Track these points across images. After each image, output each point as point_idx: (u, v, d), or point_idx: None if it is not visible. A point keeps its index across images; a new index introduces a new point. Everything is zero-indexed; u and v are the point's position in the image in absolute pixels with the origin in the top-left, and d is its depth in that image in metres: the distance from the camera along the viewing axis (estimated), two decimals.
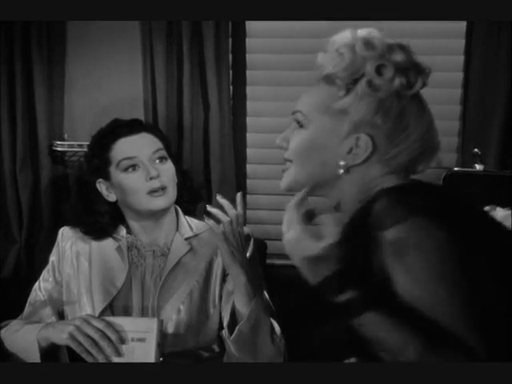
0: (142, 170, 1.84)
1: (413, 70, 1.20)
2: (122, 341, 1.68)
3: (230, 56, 2.57)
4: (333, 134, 1.21)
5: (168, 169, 1.87)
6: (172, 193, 1.87)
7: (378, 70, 1.18)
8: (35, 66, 2.52)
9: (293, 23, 2.56)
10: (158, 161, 1.86)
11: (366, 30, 1.23)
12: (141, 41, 2.54)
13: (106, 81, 2.60)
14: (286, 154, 1.29)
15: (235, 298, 1.77)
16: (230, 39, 2.57)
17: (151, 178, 1.82)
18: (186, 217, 1.97)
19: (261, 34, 2.61)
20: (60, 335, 1.71)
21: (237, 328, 1.74)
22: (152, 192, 1.83)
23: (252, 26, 2.59)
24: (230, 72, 2.57)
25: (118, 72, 2.59)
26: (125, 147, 1.86)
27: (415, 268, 1.06)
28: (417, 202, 1.08)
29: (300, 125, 1.27)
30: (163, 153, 1.89)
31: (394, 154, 1.20)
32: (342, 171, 1.21)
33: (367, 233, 1.10)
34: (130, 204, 1.87)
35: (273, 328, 1.78)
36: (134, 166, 1.85)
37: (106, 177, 1.88)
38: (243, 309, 1.74)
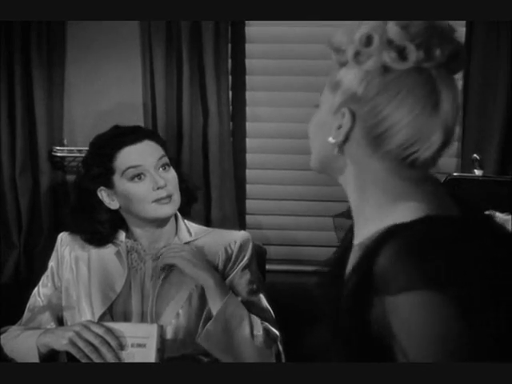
0: (149, 179, 1.84)
1: (396, 45, 1.07)
2: (122, 347, 1.68)
3: (230, 61, 2.57)
4: (331, 110, 1.13)
5: (173, 177, 1.88)
6: (177, 200, 1.88)
7: (364, 40, 1.09)
8: (35, 70, 2.52)
9: (292, 29, 2.57)
10: (161, 169, 1.86)
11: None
12: (140, 46, 2.54)
13: (105, 86, 2.60)
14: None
15: (209, 302, 1.80)
16: (230, 44, 2.57)
17: (158, 188, 1.83)
18: (185, 221, 1.98)
19: (260, 40, 2.61)
20: (60, 341, 1.71)
21: (205, 328, 1.76)
22: (158, 200, 1.83)
23: (251, 31, 2.60)
24: (230, 77, 2.58)
25: (117, 77, 2.59)
26: (130, 156, 1.85)
27: (416, 336, 1.00)
28: (426, 269, 0.98)
29: (317, 106, 1.19)
30: (166, 159, 1.89)
31: (377, 133, 1.08)
32: (336, 150, 1.12)
33: (370, 286, 1.03)
34: (135, 212, 1.87)
35: (252, 326, 1.78)
36: (139, 175, 1.84)
37: (109, 185, 1.87)
38: (215, 311, 1.77)
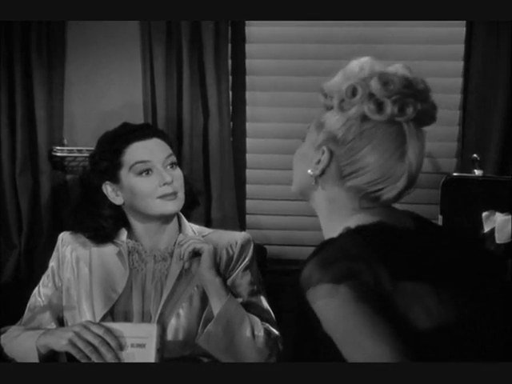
0: (156, 175, 1.84)
1: (387, 100, 1.22)
2: (122, 347, 1.68)
3: (230, 61, 2.57)
4: (313, 145, 1.31)
5: (179, 175, 1.89)
6: (182, 198, 1.88)
7: (349, 92, 1.24)
8: (35, 70, 2.52)
9: (292, 29, 2.57)
10: (169, 166, 1.87)
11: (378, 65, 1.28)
12: (140, 46, 2.54)
13: (105, 86, 2.60)
14: None
15: (210, 302, 1.80)
16: (230, 45, 2.57)
17: (165, 184, 1.83)
18: (190, 223, 1.98)
19: (260, 40, 2.61)
20: (59, 342, 1.71)
21: (205, 330, 1.75)
22: (164, 196, 1.84)
23: (251, 31, 2.60)
24: (230, 77, 2.58)
25: (117, 77, 2.59)
26: (138, 151, 1.86)
27: (327, 324, 1.16)
28: (331, 266, 1.15)
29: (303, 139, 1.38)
30: (174, 158, 1.90)
31: (349, 171, 1.26)
32: (313, 181, 1.30)
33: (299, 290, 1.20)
34: (139, 207, 1.87)
35: (252, 327, 1.78)
36: (147, 171, 1.85)
37: (115, 179, 1.88)
38: (216, 311, 1.77)
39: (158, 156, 1.86)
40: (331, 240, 1.22)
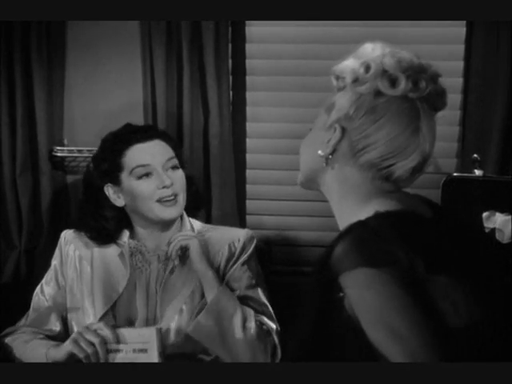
0: (155, 178, 1.85)
1: (387, 77, 1.23)
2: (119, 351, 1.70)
3: (230, 61, 2.57)
4: (323, 127, 1.29)
5: (180, 177, 1.89)
6: (182, 201, 1.88)
7: (364, 67, 1.24)
8: (35, 70, 2.52)
9: (292, 29, 2.57)
10: (170, 169, 1.87)
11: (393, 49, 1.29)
12: (141, 46, 2.54)
13: (105, 86, 2.60)
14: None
15: (205, 293, 1.82)
16: (230, 45, 2.57)
17: (164, 187, 1.83)
18: (190, 219, 1.99)
19: (261, 40, 2.61)
20: (60, 355, 1.75)
21: (195, 320, 1.76)
22: (162, 199, 1.84)
23: (252, 31, 2.60)
24: (230, 77, 2.57)
25: (117, 77, 2.59)
26: (139, 154, 1.86)
27: (364, 310, 1.12)
28: (367, 250, 1.13)
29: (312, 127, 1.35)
30: (175, 161, 1.90)
31: (362, 146, 1.24)
32: (324, 162, 1.27)
33: (328, 273, 1.16)
34: (139, 210, 1.87)
35: (244, 318, 1.79)
36: (147, 174, 1.85)
37: (116, 182, 1.88)
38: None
39: (158, 159, 1.86)
40: (362, 222, 1.18)
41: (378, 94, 1.23)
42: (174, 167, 1.89)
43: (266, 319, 1.85)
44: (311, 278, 1.23)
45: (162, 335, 1.73)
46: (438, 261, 1.14)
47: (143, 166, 1.85)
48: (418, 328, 1.06)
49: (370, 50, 1.28)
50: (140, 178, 1.85)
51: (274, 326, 1.85)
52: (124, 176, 1.87)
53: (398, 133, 1.23)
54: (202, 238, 1.89)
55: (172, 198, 1.85)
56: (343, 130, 1.25)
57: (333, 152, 1.26)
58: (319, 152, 1.27)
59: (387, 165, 1.24)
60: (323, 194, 1.33)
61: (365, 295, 1.10)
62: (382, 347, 1.08)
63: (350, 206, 1.27)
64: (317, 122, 1.32)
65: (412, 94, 1.23)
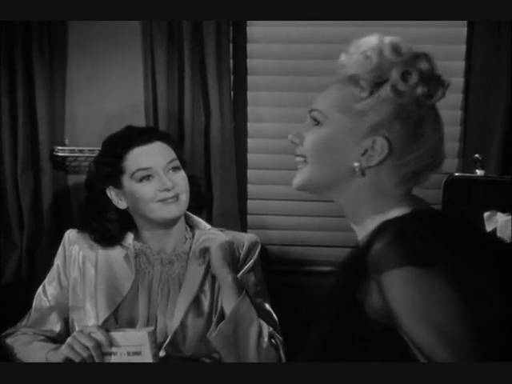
0: (157, 181, 1.84)
1: (434, 81, 1.22)
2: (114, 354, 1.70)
3: (231, 61, 2.57)
4: (350, 134, 1.22)
5: (181, 178, 1.88)
6: (185, 201, 1.88)
7: (403, 76, 1.20)
8: (36, 70, 2.52)
9: (294, 29, 2.57)
10: (171, 171, 1.87)
11: (392, 37, 1.26)
12: (142, 46, 2.54)
13: (107, 86, 2.60)
14: (299, 150, 1.29)
15: (222, 299, 1.80)
16: (231, 44, 2.57)
17: (165, 190, 1.83)
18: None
19: (262, 40, 2.61)
20: (59, 359, 1.75)
21: (218, 327, 1.76)
22: (164, 200, 1.84)
23: (253, 31, 2.59)
24: (231, 77, 2.57)
25: (119, 77, 2.59)
26: (139, 157, 1.86)
27: (409, 310, 1.08)
28: (412, 247, 1.09)
29: (317, 123, 1.27)
30: (177, 163, 1.90)
31: (407, 160, 1.21)
32: (357, 173, 1.21)
33: (365, 270, 1.12)
34: (142, 212, 1.87)
35: (260, 330, 1.78)
36: (148, 177, 1.85)
37: (118, 185, 1.88)
38: (228, 310, 1.77)
39: (158, 161, 1.86)
40: (397, 220, 1.15)
41: (418, 103, 1.21)
42: (176, 168, 1.89)
43: (275, 333, 1.84)
44: (336, 278, 1.19)
45: (156, 337, 1.73)
46: (475, 259, 1.12)
47: (144, 169, 1.85)
48: (466, 328, 1.04)
49: (375, 40, 1.24)
50: (141, 180, 1.85)
51: (281, 338, 1.85)
52: (125, 179, 1.87)
53: (434, 142, 1.22)
54: (228, 238, 1.87)
55: (173, 198, 1.85)
56: (389, 142, 1.20)
57: (376, 165, 1.21)
58: (355, 164, 1.21)
59: (424, 174, 1.24)
60: (339, 203, 1.27)
61: (411, 294, 1.07)
62: (428, 347, 1.04)
63: (378, 209, 1.22)
64: (329, 120, 1.24)
65: (430, 101, 1.22)
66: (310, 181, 1.28)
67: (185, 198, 1.88)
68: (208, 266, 1.85)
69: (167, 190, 1.83)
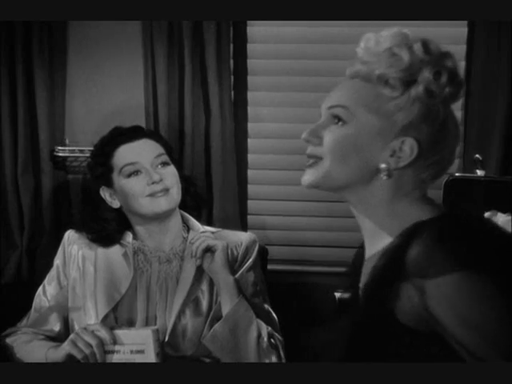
0: (145, 175, 1.86)
1: (458, 81, 1.20)
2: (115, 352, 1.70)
3: (232, 61, 2.57)
4: (379, 135, 1.17)
5: (171, 172, 1.89)
6: (176, 195, 1.88)
7: (436, 76, 1.17)
8: (36, 70, 2.52)
9: (294, 29, 2.57)
10: (160, 166, 1.88)
11: (406, 31, 1.22)
12: (142, 46, 2.54)
13: (107, 86, 2.60)
14: (316, 150, 1.23)
15: (221, 300, 1.80)
16: (232, 45, 2.57)
17: (153, 183, 1.84)
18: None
19: (262, 40, 2.61)
20: (59, 356, 1.75)
21: (212, 328, 1.76)
22: (153, 194, 1.84)
23: (253, 31, 2.59)
24: (232, 78, 2.57)
25: (119, 77, 2.59)
26: (126, 153, 1.88)
27: (464, 315, 1.04)
28: (460, 250, 1.05)
29: (339, 120, 1.20)
30: (165, 158, 1.90)
31: (431, 162, 1.18)
32: (385, 175, 1.17)
33: (403, 275, 1.08)
34: (132, 208, 1.88)
35: (259, 330, 1.78)
36: (136, 172, 1.86)
37: (109, 184, 1.90)
38: (225, 311, 1.77)
39: (145, 157, 1.87)
40: (434, 222, 1.11)
41: (445, 104, 1.18)
42: (164, 163, 1.89)
43: (274, 332, 1.84)
44: (366, 283, 1.16)
45: (159, 336, 1.73)
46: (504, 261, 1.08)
47: (131, 163, 1.86)
48: None
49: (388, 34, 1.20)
50: (129, 176, 1.86)
51: (281, 338, 1.85)
52: (115, 176, 1.88)
53: (454, 144, 1.20)
54: (224, 241, 1.87)
55: (163, 191, 1.85)
56: (419, 145, 1.16)
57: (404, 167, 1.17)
58: (382, 166, 1.16)
59: (440, 175, 1.22)
60: (353, 202, 1.23)
61: (464, 299, 1.03)
62: (477, 351, 1.02)
63: (396, 211, 1.19)
64: (360, 124, 1.18)
65: (454, 102, 1.21)
66: (324, 179, 1.22)
67: (175, 192, 1.88)
68: (201, 266, 1.85)
69: (155, 182, 1.83)
